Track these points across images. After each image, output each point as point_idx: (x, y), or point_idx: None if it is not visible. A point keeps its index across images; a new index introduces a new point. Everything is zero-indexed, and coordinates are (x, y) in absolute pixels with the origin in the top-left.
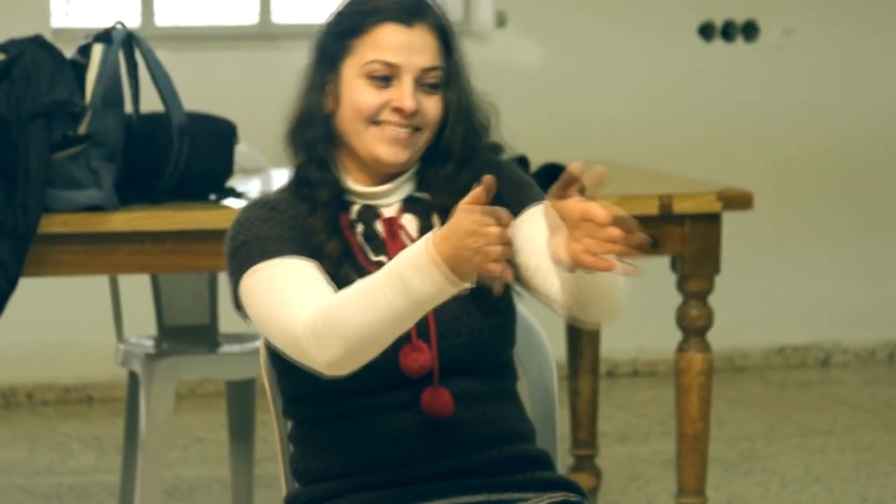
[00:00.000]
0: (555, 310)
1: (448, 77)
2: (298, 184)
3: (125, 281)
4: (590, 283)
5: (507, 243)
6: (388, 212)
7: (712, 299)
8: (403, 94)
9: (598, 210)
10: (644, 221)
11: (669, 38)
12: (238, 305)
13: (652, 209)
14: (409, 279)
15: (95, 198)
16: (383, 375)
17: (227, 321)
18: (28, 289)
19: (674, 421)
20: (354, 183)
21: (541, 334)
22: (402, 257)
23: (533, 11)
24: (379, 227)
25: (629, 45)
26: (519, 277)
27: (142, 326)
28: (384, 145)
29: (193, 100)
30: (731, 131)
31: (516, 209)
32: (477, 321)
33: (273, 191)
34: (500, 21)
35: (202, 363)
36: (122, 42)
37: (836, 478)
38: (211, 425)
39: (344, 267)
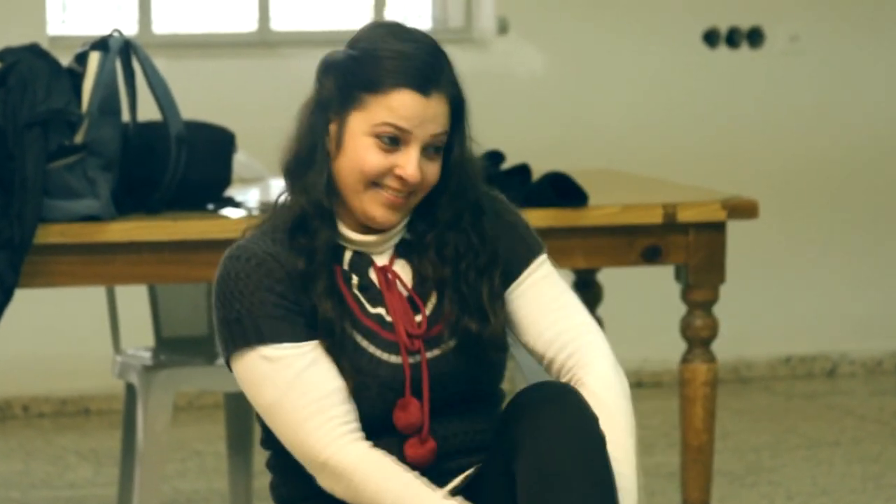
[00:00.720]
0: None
1: (452, 140)
2: (295, 230)
3: (122, 291)
4: None
5: None
6: (381, 260)
7: (717, 309)
8: (409, 162)
9: None
10: (648, 230)
11: (673, 45)
12: (227, 363)
13: (656, 218)
14: None
15: (92, 207)
16: (373, 426)
17: None
18: (24, 300)
19: (678, 432)
20: (346, 229)
21: None
22: None
23: (535, 18)
24: (373, 276)
25: (632, 52)
26: (512, 330)
27: (139, 338)
28: (380, 208)
29: (191, 108)
30: (737, 139)
31: (518, 268)
32: (473, 371)
33: (251, 236)
34: (502, 28)
35: (200, 375)
36: (119, 50)
37: (843, 490)
38: (209, 438)
39: (342, 323)
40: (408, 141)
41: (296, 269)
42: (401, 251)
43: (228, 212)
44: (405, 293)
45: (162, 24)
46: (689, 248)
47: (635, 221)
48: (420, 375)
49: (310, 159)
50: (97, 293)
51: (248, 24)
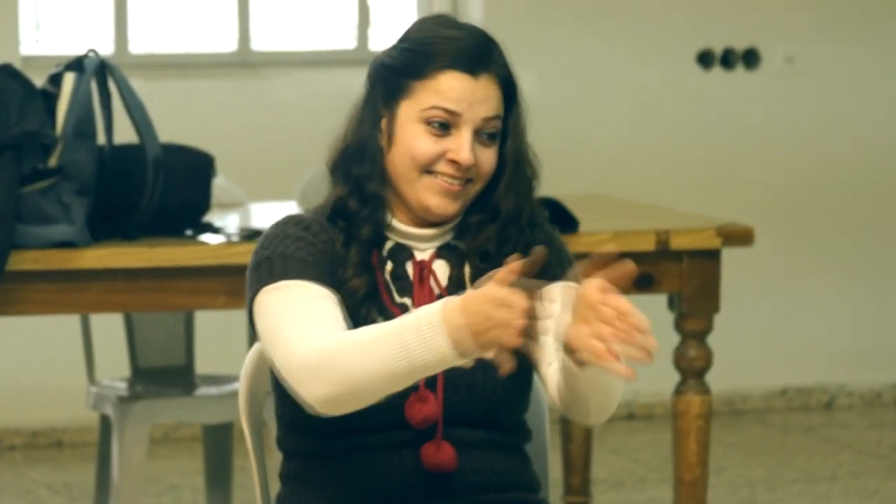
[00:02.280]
0: (548, 393)
1: (507, 128)
2: (334, 214)
3: (97, 320)
4: (588, 375)
5: (534, 318)
6: (421, 255)
7: (711, 339)
8: (461, 145)
9: (622, 300)
10: (640, 258)
11: (667, 66)
12: (251, 320)
13: (648, 245)
14: (411, 345)
15: (67, 233)
16: (386, 420)
17: (204, 362)
18: None
19: (671, 467)
20: (397, 221)
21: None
22: (411, 320)
23: (524, 36)
24: (409, 268)
25: (624, 72)
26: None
27: (114, 368)
28: (435, 196)
29: (169, 131)
30: (731, 163)
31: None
32: (490, 380)
33: (309, 210)
34: None
35: (178, 406)
36: (94, 70)
37: None
38: (187, 471)
39: (367, 305)
40: (458, 124)
41: (336, 241)
42: (443, 252)
43: (207, 238)
44: (437, 291)
45: (139, 44)
46: (682, 276)
47: (627, 248)
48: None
49: (359, 154)
50: (71, 322)
51: (227, 43)
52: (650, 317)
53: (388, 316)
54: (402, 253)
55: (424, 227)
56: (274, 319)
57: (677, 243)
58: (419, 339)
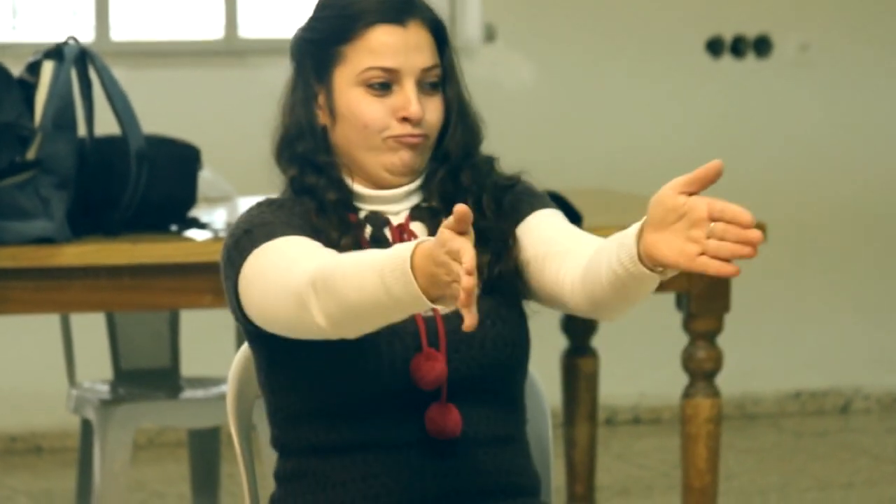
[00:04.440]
0: (560, 299)
1: (446, 74)
2: (298, 193)
3: (78, 320)
4: (636, 284)
5: (472, 273)
6: (396, 220)
7: (721, 340)
8: (408, 100)
9: (740, 210)
10: None
11: (674, 55)
12: (237, 308)
13: None
14: (390, 282)
15: (46, 229)
16: (393, 387)
17: (190, 364)
18: None
19: (679, 473)
20: (359, 187)
21: (534, 377)
22: (387, 257)
23: (525, 25)
24: (388, 233)
25: (629, 61)
26: (524, 274)
27: (96, 370)
28: (397, 154)
29: (153, 122)
30: (742, 156)
31: (528, 210)
32: (490, 333)
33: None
34: (489, 35)
35: (162, 410)
36: (74, 59)
37: None
38: (172, 478)
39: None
40: (398, 80)
41: (311, 211)
42: (416, 213)
43: (193, 234)
44: None
45: (121, 31)
46: (691, 274)
47: None
48: (436, 329)
49: (300, 135)
50: (51, 321)
51: (214, 31)
52: (657, 317)
53: None
54: (378, 220)
55: (389, 189)
56: (269, 268)
57: None
58: (395, 279)
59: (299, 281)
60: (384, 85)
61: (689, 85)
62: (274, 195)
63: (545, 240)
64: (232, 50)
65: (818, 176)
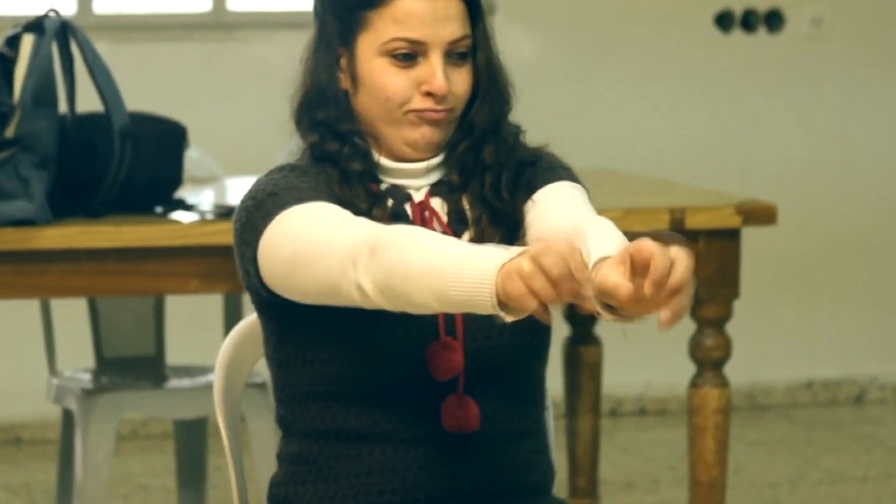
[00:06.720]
0: None
1: (476, 44)
2: (319, 160)
3: (59, 306)
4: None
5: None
6: (417, 196)
7: (730, 327)
8: (433, 73)
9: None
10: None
11: (682, 29)
12: (253, 274)
13: (662, 224)
14: (465, 279)
15: (25, 210)
16: (406, 375)
17: (175, 352)
18: None
19: (686, 466)
20: (382, 159)
21: None
22: (474, 257)
23: None
24: (409, 210)
25: (635, 36)
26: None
27: (77, 358)
28: (419, 129)
29: (137, 99)
30: (752, 135)
31: (534, 188)
32: (509, 325)
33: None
34: (490, 8)
35: (147, 400)
36: (55, 32)
37: None
38: (157, 471)
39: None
40: (425, 52)
41: (334, 181)
42: (436, 190)
43: (179, 216)
44: (440, 230)
45: (104, 4)
46: (698, 258)
47: (639, 227)
48: (453, 318)
49: (321, 99)
50: (30, 307)
51: (201, 3)
52: None
53: None
54: (400, 194)
55: (411, 163)
56: (309, 230)
57: (693, 222)
58: (473, 279)
59: (349, 243)
60: (409, 56)
61: (698, 60)
62: (260, 175)
63: (549, 224)
64: (220, 23)
65: (832, 156)
